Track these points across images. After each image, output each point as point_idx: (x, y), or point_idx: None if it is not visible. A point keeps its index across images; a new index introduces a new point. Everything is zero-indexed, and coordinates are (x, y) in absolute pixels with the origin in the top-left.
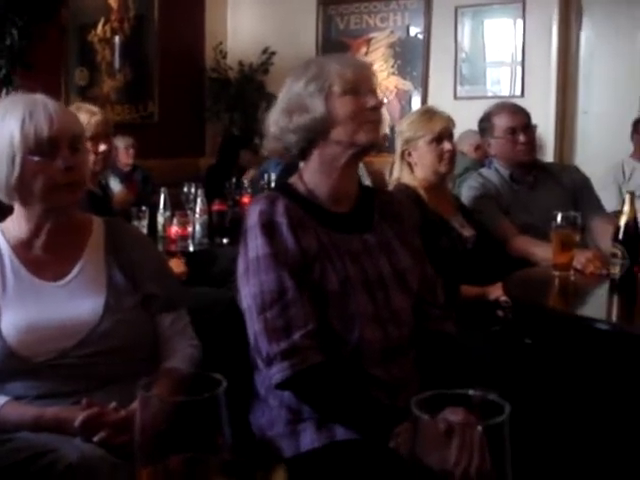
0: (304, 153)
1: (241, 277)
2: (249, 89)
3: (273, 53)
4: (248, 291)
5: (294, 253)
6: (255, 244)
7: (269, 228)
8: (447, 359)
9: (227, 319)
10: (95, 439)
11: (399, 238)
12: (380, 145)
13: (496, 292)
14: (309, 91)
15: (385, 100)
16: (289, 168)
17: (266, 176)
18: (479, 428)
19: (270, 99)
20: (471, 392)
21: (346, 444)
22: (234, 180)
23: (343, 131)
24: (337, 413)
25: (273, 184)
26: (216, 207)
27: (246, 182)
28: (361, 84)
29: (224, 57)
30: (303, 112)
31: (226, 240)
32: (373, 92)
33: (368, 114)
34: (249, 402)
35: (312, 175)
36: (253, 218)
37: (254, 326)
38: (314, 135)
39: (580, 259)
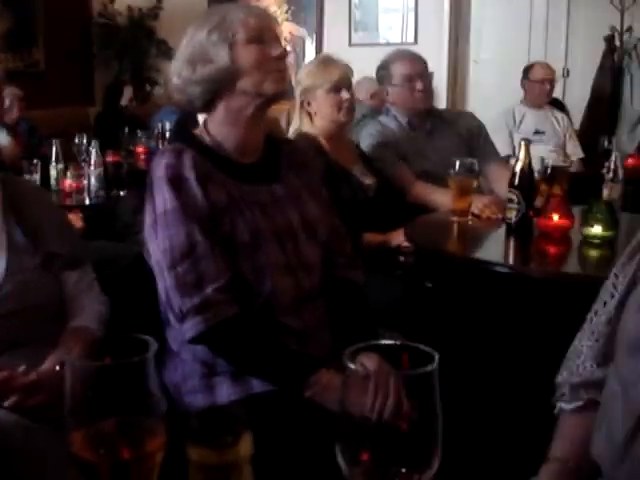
0: (208, 105)
1: (149, 232)
2: (139, 35)
3: None
4: (157, 246)
5: (203, 206)
6: (162, 198)
7: (176, 182)
8: (355, 306)
9: (133, 273)
10: (6, 404)
11: (307, 188)
12: (286, 94)
13: (398, 238)
14: (212, 40)
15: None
16: (185, 117)
17: (160, 125)
18: (394, 373)
19: (161, 45)
20: (400, 342)
21: (263, 396)
22: (127, 129)
23: (249, 81)
24: (252, 365)
25: (168, 133)
26: (110, 158)
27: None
28: (265, 33)
29: (112, 2)
30: (207, 62)
31: (123, 192)
32: (277, 41)
33: (274, 63)
34: (161, 358)
35: (218, 127)
36: (159, 172)
37: (165, 281)
38: (219, 86)
39: (477, 204)
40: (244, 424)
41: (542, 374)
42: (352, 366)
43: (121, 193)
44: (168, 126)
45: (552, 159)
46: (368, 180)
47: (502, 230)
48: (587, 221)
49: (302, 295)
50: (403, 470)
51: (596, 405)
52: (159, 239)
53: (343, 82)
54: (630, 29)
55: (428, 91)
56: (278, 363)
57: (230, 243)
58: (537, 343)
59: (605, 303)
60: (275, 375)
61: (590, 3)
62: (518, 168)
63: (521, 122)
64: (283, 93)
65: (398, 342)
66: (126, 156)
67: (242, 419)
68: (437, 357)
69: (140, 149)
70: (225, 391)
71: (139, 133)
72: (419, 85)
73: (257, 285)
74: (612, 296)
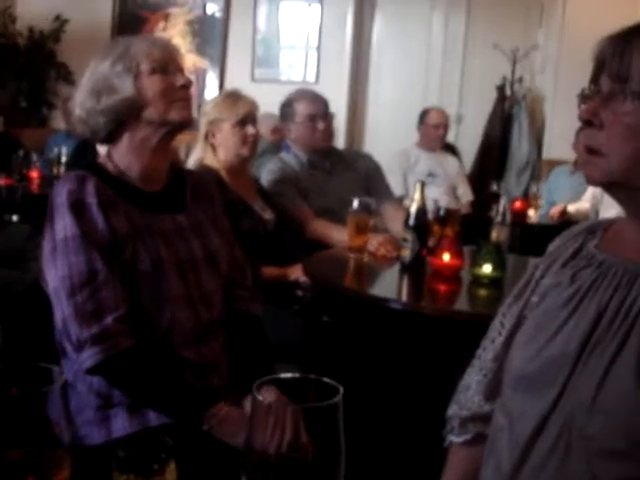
0: (112, 136)
1: (47, 259)
2: (39, 57)
3: (66, 21)
4: (55, 273)
5: (104, 234)
6: (63, 224)
7: (78, 208)
8: (253, 339)
9: (27, 301)
10: None
11: (210, 220)
12: (191, 122)
13: (296, 273)
14: (116, 71)
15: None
16: (83, 143)
17: (56, 149)
18: (292, 406)
19: (61, 69)
20: (305, 376)
21: (160, 429)
22: (21, 152)
23: (154, 110)
24: (149, 397)
25: (64, 158)
26: (2, 182)
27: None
28: (169, 63)
29: (13, 22)
30: (111, 93)
31: (16, 217)
32: (181, 71)
33: (178, 92)
34: None
35: (123, 156)
36: (61, 197)
37: (63, 310)
38: (124, 116)
39: (373, 242)
40: (170, 451)
41: (434, 408)
42: (260, 397)
43: (14, 218)
44: (64, 151)
45: (444, 201)
46: (267, 215)
47: (397, 268)
48: (477, 261)
49: (202, 327)
50: None
51: (484, 438)
52: (58, 266)
53: (249, 117)
54: (521, 79)
55: (329, 131)
56: (176, 396)
57: (131, 272)
58: (430, 377)
59: (493, 340)
60: (173, 408)
61: (484, 53)
62: (413, 209)
63: (415, 164)
64: (188, 121)
65: (302, 375)
66: (20, 180)
67: (168, 445)
68: (341, 390)
69: (34, 174)
70: (121, 424)
71: (34, 157)
72: (321, 125)
73: (156, 316)
74: (499, 334)
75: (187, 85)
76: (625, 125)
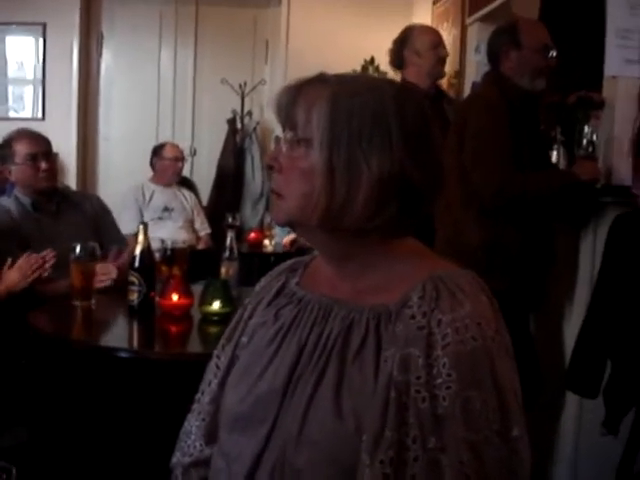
0: None
1: None
2: None
3: None
4: None
5: None
6: None
7: None
8: None
9: None
10: None
11: None
12: None
13: None
14: None
15: None
16: None
17: None
18: None
19: None
20: None
21: None
22: None
23: None
24: None
25: None
26: None
27: None
28: None
29: None
30: None
31: None
32: None
33: None
34: None
35: None
36: None
37: None
38: None
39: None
40: None
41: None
42: None
43: None
44: None
45: (181, 235)
46: None
47: (126, 313)
48: (205, 299)
49: None
50: None
51: None
52: None
53: None
54: (250, 113)
55: (52, 171)
56: None
57: None
58: (166, 425)
59: (210, 383)
60: None
61: (213, 88)
62: (138, 251)
63: (150, 199)
64: None
65: None
66: None
67: None
68: (14, 470)
69: None
70: None
71: None
72: (43, 165)
73: None
74: (215, 376)
75: None
76: (298, 169)
